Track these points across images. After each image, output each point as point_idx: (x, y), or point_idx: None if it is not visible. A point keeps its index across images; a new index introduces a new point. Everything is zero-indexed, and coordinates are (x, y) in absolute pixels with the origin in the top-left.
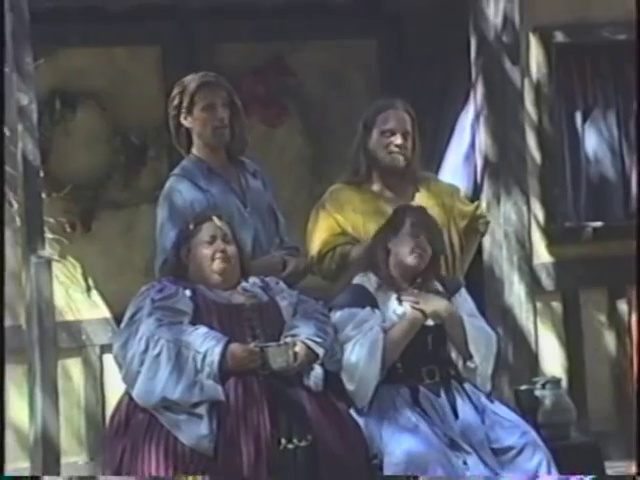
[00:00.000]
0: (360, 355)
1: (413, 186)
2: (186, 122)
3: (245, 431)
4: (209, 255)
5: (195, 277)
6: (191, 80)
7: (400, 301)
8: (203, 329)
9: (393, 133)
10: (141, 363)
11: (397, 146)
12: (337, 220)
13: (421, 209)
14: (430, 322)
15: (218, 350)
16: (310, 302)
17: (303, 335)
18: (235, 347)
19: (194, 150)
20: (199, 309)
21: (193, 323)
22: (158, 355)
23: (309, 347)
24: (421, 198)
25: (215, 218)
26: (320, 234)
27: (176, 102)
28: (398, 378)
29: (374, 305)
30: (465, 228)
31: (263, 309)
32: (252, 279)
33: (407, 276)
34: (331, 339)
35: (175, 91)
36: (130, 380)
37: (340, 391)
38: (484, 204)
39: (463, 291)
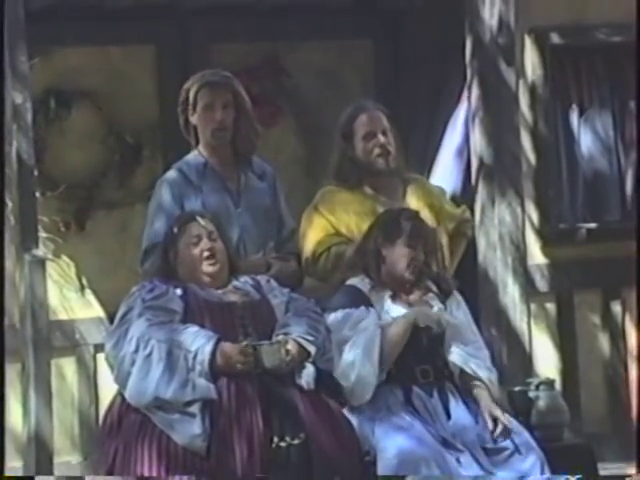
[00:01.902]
0: (356, 354)
1: (402, 186)
2: (192, 119)
3: (238, 430)
4: (197, 255)
5: (186, 278)
6: (199, 78)
7: (393, 300)
8: (194, 328)
9: (374, 135)
10: (132, 363)
11: (381, 146)
12: (330, 221)
13: (416, 214)
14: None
15: (209, 349)
16: (302, 300)
17: (295, 333)
18: (226, 346)
19: (200, 146)
20: (190, 308)
21: (184, 322)
22: (149, 355)
23: (301, 345)
24: (411, 199)
25: (199, 218)
26: (314, 235)
27: (183, 97)
28: (391, 377)
29: (368, 305)
30: (453, 231)
31: (255, 307)
32: (243, 277)
33: (400, 283)
34: (323, 337)
35: (184, 86)
36: (122, 381)
37: (332, 389)
38: (478, 205)
39: (456, 294)
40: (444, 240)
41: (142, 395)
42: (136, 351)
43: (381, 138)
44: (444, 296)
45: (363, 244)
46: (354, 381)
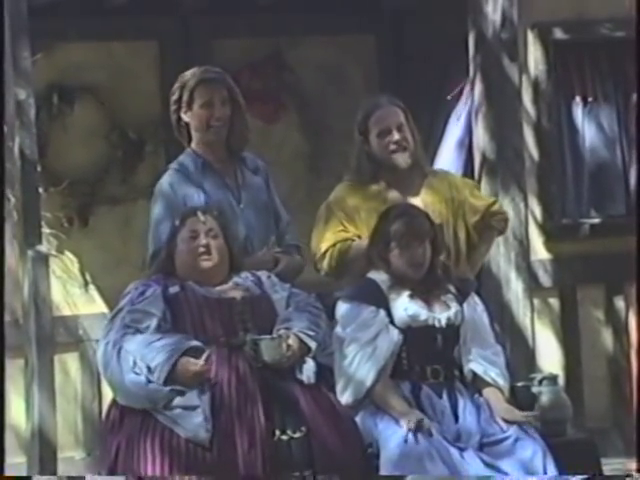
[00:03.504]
0: (360, 365)
1: (420, 181)
2: (185, 117)
3: (239, 423)
4: (191, 251)
5: (182, 273)
6: (192, 75)
7: (412, 298)
8: (162, 341)
9: (389, 131)
10: (107, 366)
11: (396, 142)
12: (340, 218)
13: (405, 210)
14: (442, 323)
15: (167, 368)
16: (302, 295)
17: (296, 328)
18: (184, 363)
19: (193, 144)
20: (189, 305)
21: (173, 322)
22: (119, 362)
23: (302, 340)
24: (426, 194)
25: (199, 213)
26: (322, 232)
27: (176, 96)
28: (401, 374)
29: (381, 304)
30: (478, 224)
31: (255, 303)
32: (244, 273)
33: (413, 283)
34: (323, 332)
35: (176, 85)
36: (104, 377)
37: (332, 383)
38: None
39: (474, 295)
40: (462, 236)
41: (124, 396)
42: (109, 356)
43: (396, 135)
44: (462, 297)
45: (368, 252)
46: (352, 383)
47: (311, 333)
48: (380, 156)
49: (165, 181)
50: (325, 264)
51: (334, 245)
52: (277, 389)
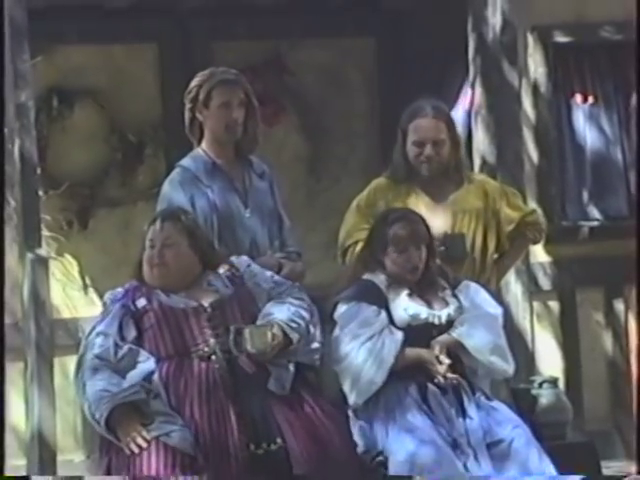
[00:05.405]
0: (366, 362)
1: (452, 189)
2: (200, 116)
3: (211, 439)
4: (147, 260)
5: (148, 280)
6: (211, 75)
7: (411, 297)
8: (106, 381)
9: (423, 144)
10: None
11: (427, 157)
12: (367, 216)
13: (405, 215)
14: (442, 319)
15: (105, 415)
16: (285, 285)
17: (278, 319)
18: (118, 415)
19: (204, 144)
20: (157, 318)
21: (142, 337)
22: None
23: (284, 332)
24: (454, 203)
25: (158, 221)
26: (347, 227)
27: (193, 94)
28: (407, 375)
29: (382, 304)
30: (512, 234)
31: (226, 304)
32: (221, 268)
33: (410, 284)
34: (306, 323)
35: (193, 83)
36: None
37: (315, 386)
38: None
39: (465, 282)
40: (492, 244)
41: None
42: (79, 394)
43: (428, 149)
44: (452, 288)
45: (363, 254)
46: (359, 388)
47: (293, 325)
48: (411, 161)
49: (174, 179)
50: (347, 260)
51: (356, 243)
52: (250, 401)
